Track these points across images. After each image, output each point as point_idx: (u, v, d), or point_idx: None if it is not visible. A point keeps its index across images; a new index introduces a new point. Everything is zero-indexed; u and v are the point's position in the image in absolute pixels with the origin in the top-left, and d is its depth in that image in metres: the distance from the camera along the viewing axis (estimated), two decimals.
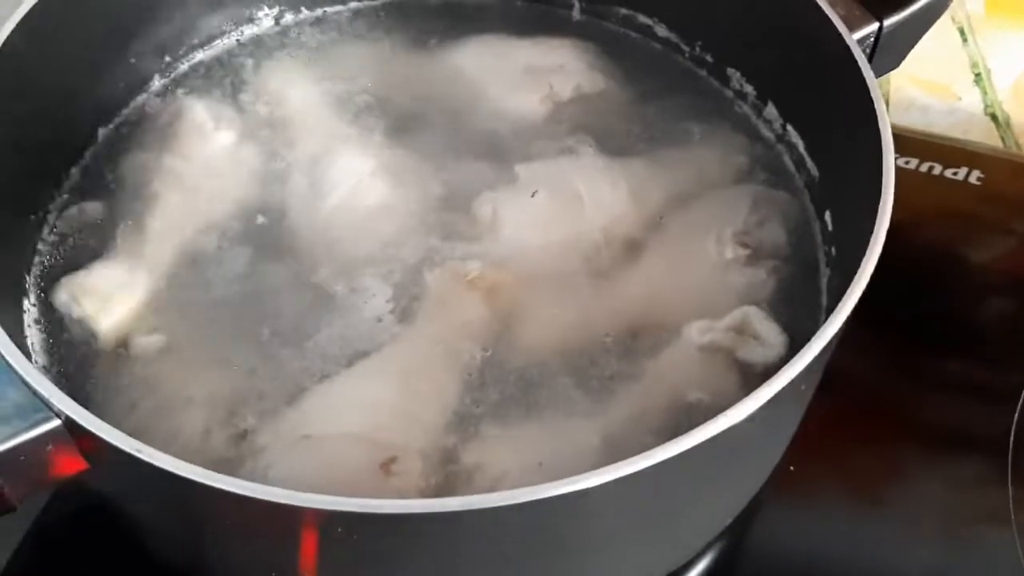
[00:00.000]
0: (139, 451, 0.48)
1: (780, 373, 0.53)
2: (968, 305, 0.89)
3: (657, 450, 0.49)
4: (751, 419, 0.52)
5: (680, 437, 0.49)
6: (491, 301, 0.69)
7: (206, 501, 0.49)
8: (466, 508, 0.47)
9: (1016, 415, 0.79)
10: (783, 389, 0.52)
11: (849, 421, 0.79)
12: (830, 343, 0.55)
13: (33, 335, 0.69)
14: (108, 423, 0.65)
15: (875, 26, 0.72)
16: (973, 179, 0.92)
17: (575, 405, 0.66)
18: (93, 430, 0.50)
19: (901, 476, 0.78)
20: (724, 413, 0.51)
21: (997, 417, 0.80)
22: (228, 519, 0.54)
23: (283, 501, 0.46)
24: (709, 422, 0.50)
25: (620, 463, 0.48)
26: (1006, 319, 0.88)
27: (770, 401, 0.52)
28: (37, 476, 0.54)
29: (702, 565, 0.74)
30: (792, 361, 0.53)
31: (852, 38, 0.69)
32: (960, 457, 0.79)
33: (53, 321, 0.70)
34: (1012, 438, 0.78)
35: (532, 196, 0.73)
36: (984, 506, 0.76)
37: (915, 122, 1.03)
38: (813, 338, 0.54)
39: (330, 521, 0.49)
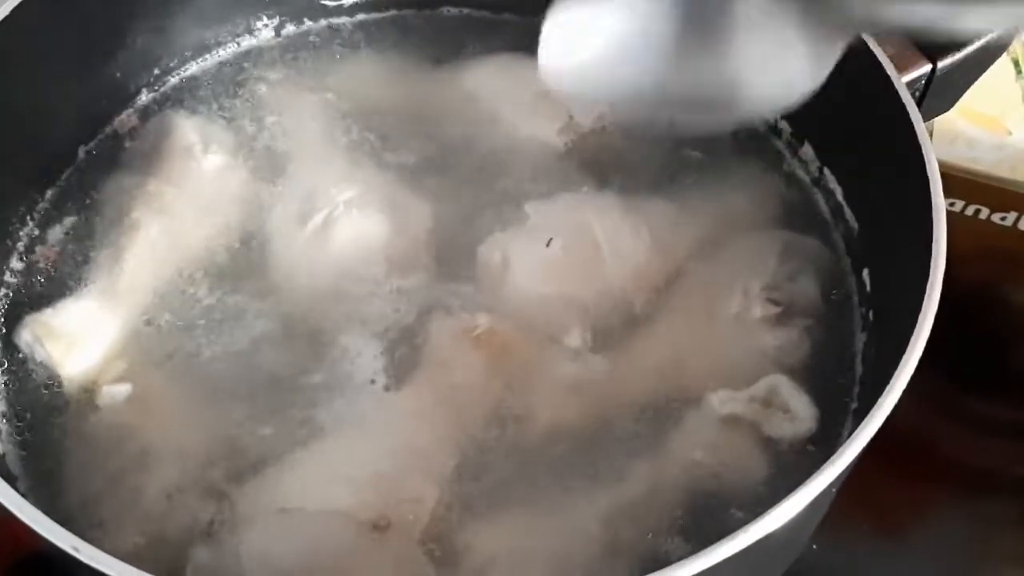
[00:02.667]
0: (76, 549, 0.42)
1: (820, 472, 0.47)
2: (1006, 346, 0.86)
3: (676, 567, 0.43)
4: (786, 526, 0.46)
5: (701, 553, 0.43)
6: (497, 361, 0.63)
7: None
8: None
9: None
10: (822, 492, 0.47)
11: (881, 459, 0.74)
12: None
13: None
14: (69, 477, 0.60)
15: (927, 68, 0.66)
16: (1023, 225, 0.85)
17: (579, 481, 0.60)
18: (28, 522, 0.44)
19: (930, 514, 0.76)
20: (753, 523, 0.45)
21: None
22: None
23: None
24: (736, 534, 0.44)
25: None
26: None
27: (808, 505, 0.46)
28: None
29: None
30: (832, 459, 0.48)
31: (901, 80, 0.64)
32: (991, 497, 0.78)
33: (15, 362, 0.64)
34: None
35: (547, 245, 0.66)
36: (1013, 547, 0.75)
37: (960, 156, 0.96)
38: (853, 435, 0.48)
39: None
